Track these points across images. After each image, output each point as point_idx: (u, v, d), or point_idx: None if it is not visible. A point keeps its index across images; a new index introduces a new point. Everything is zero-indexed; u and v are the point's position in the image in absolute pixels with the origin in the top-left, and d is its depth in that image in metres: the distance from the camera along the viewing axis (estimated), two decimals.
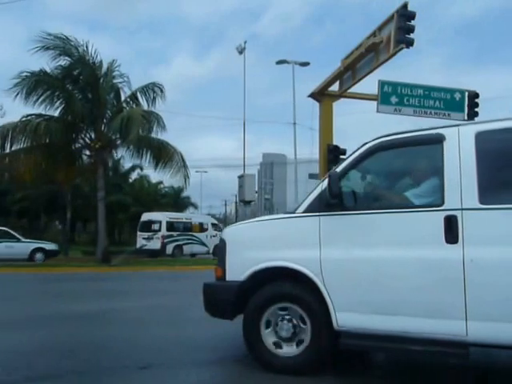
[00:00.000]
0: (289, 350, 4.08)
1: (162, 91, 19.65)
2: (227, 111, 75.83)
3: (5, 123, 18.35)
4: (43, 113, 18.73)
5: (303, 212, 4.13)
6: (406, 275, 3.70)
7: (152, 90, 19.53)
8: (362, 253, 3.84)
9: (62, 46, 18.08)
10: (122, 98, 19.96)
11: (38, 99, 17.99)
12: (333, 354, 4.03)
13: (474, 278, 3.47)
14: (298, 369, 4.00)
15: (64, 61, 18.29)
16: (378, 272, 3.78)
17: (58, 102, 18.43)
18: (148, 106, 19.54)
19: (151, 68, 66.79)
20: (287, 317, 4.10)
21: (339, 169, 4.08)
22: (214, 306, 4.48)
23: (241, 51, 23.14)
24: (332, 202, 3.91)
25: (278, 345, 4.11)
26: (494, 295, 3.44)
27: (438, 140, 3.81)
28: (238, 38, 70.03)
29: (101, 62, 19.05)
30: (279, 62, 23.80)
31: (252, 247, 4.24)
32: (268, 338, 4.14)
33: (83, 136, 19.67)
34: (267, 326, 4.16)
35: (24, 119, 18.22)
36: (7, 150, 18.13)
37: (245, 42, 23.29)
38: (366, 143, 4.10)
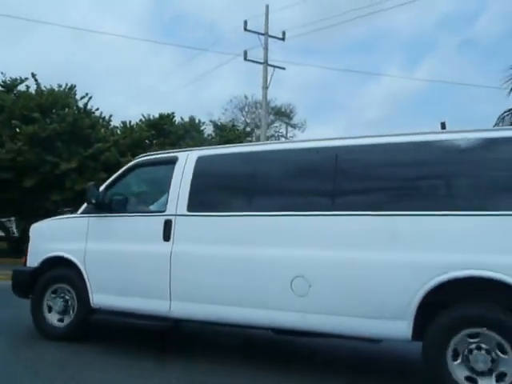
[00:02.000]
0: (62, 322, 5.18)
1: None
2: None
3: None
4: None
5: (80, 213, 5.26)
6: (137, 265, 4.73)
7: None
8: (110, 246, 4.92)
9: None
10: None
11: None
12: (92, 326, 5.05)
13: (177, 268, 4.52)
14: (68, 337, 5.06)
15: None
16: (120, 262, 4.83)
17: None
18: None
19: (360, 86, 62.21)
20: (62, 295, 5.20)
21: (110, 180, 5.30)
22: (16, 287, 5.44)
23: None
24: (89, 206, 5.11)
25: (57, 318, 5.19)
26: (190, 281, 4.48)
27: (173, 161, 4.91)
28: (449, 46, 60.83)
29: None
30: None
31: (44, 240, 5.35)
32: (47, 310, 5.23)
33: None
34: (48, 302, 5.24)
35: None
36: None
37: None
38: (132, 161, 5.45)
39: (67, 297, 5.19)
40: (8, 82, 18.00)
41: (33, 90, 18.24)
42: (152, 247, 4.66)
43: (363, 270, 3.87)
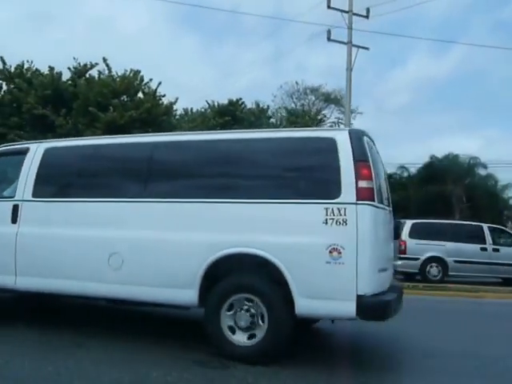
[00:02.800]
0: None
1: None
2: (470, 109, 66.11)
3: None
4: None
5: None
6: None
7: None
8: None
9: None
10: None
11: None
12: None
13: (21, 247, 5.04)
14: None
15: None
16: None
17: None
18: None
19: (386, 71, 59.09)
20: None
21: None
22: None
23: None
24: None
25: None
26: (32, 259, 5.01)
27: (25, 151, 5.40)
28: (480, 29, 57.90)
29: None
30: None
31: None
32: None
33: None
34: None
35: None
36: None
37: None
38: None
39: None
40: (79, 68, 17.21)
41: (99, 75, 17.43)
42: (1, 229, 5.20)
43: (163, 248, 4.57)
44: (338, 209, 4.08)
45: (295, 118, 18.91)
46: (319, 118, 22.65)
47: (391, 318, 4.26)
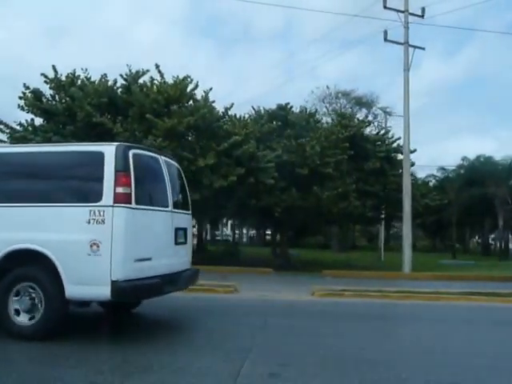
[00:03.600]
0: None
1: None
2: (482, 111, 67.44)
3: None
4: None
5: None
6: None
7: None
8: None
9: None
10: None
11: None
12: None
13: None
14: None
15: None
16: None
17: None
18: None
19: (398, 75, 58.50)
20: None
21: None
22: None
23: None
24: None
25: None
26: None
27: None
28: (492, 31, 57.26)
29: None
30: None
31: None
32: None
33: None
34: None
35: None
36: None
37: None
38: None
39: None
40: (131, 75, 17.02)
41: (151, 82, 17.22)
42: None
43: None
44: (99, 211, 4.97)
45: (348, 121, 18.54)
46: (369, 119, 22.24)
47: (147, 299, 5.56)
